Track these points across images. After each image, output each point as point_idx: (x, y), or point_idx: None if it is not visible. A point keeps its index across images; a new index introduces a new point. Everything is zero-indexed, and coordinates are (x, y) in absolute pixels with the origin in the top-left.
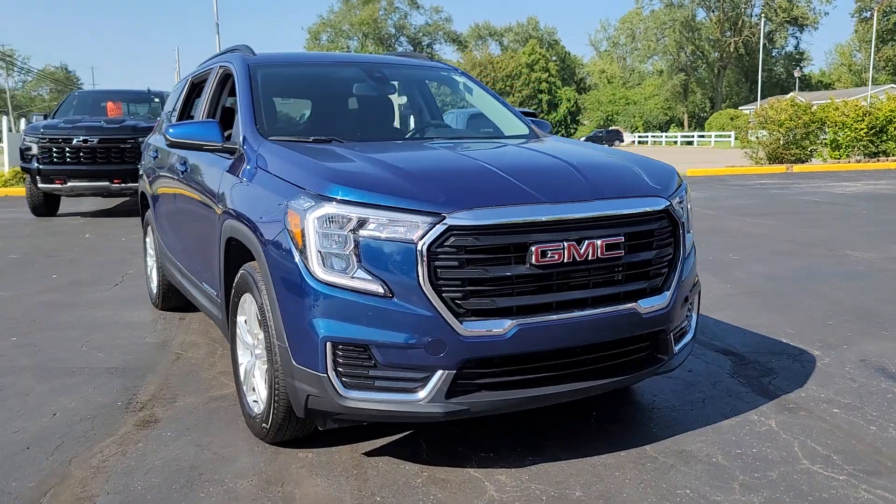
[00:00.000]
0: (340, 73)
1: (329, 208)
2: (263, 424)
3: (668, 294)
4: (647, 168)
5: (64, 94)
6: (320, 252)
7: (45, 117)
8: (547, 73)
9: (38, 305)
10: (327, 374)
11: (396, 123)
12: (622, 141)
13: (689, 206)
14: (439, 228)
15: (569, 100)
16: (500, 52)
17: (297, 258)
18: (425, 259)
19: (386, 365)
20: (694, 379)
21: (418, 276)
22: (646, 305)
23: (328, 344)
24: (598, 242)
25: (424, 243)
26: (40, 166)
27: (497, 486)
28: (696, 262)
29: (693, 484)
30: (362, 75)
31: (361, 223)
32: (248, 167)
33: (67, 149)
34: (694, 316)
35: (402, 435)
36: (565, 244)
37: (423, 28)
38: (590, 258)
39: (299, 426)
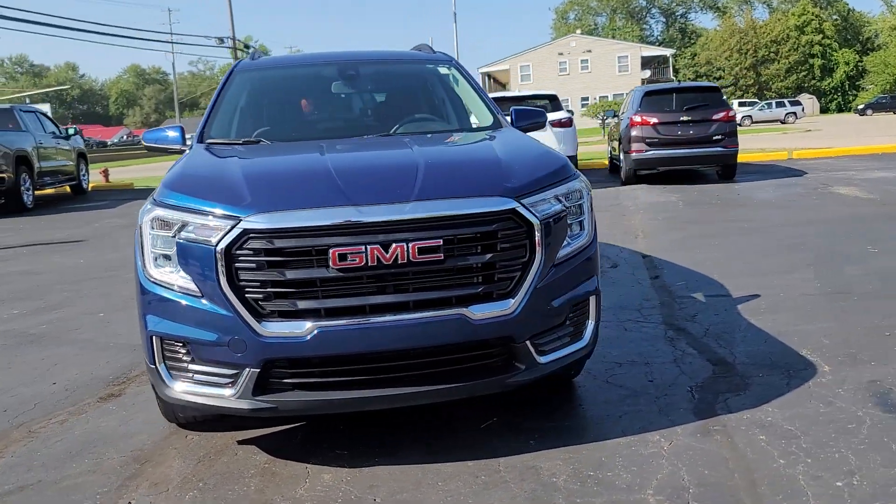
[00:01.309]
0: (314, 73)
1: (158, 212)
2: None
3: (512, 301)
4: (518, 163)
5: None
6: (153, 252)
7: None
8: (821, 35)
9: None
10: (156, 365)
11: (352, 121)
12: None
13: (584, 204)
14: (235, 232)
15: (847, 63)
16: (767, 17)
17: (138, 257)
18: (223, 261)
19: (200, 360)
20: (643, 389)
21: (218, 277)
22: (479, 311)
23: (154, 338)
24: (410, 246)
25: (222, 246)
26: None
27: (312, 484)
28: (596, 264)
29: (502, 503)
30: (335, 75)
31: (183, 226)
32: None
33: None
34: (589, 324)
35: (289, 427)
36: (367, 247)
37: None
38: (400, 262)
39: (179, 412)
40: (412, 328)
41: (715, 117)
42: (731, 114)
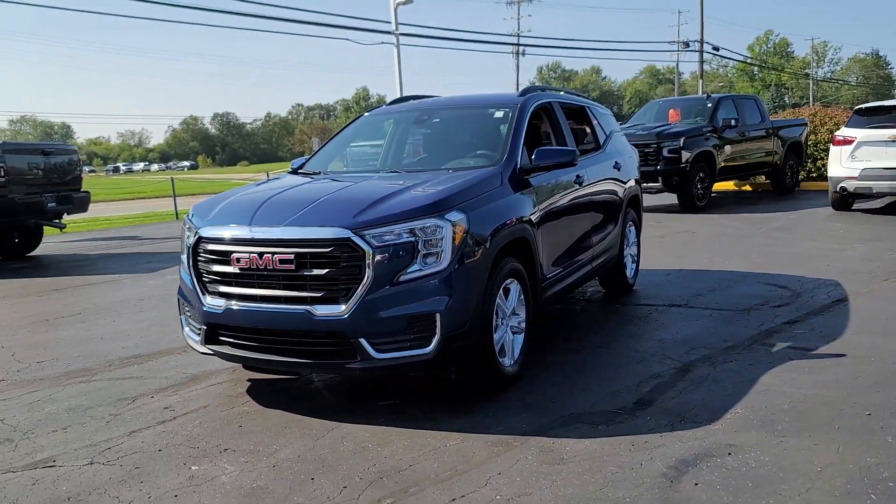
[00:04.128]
0: (402, 118)
1: (185, 221)
2: None
3: (343, 306)
4: (389, 201)
5: (870, 79)
6: (182, 242)
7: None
8: None
9: None
10: (180, 316)
11: (399, 159)
12: None
13: (444, 239)
14: (196, 237)
15: None
16: None
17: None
18: (191, 254)
19: (190, 317)
20: (534, 406)
21: (189, 264)
22: (320, 310)
23: (179, 299)
24: (274, 257)
25: (190, 244)
26: None
27: (213, 415)
28: (453, 289)
29: (297, 448)
30: (415, 120)
31: (189, 230)
32: None
33: None
34: (435, 337)
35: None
36: (251, 255)
37: None
38: (269, 267)
39: None
40: (279, 315)
41: None
42: None
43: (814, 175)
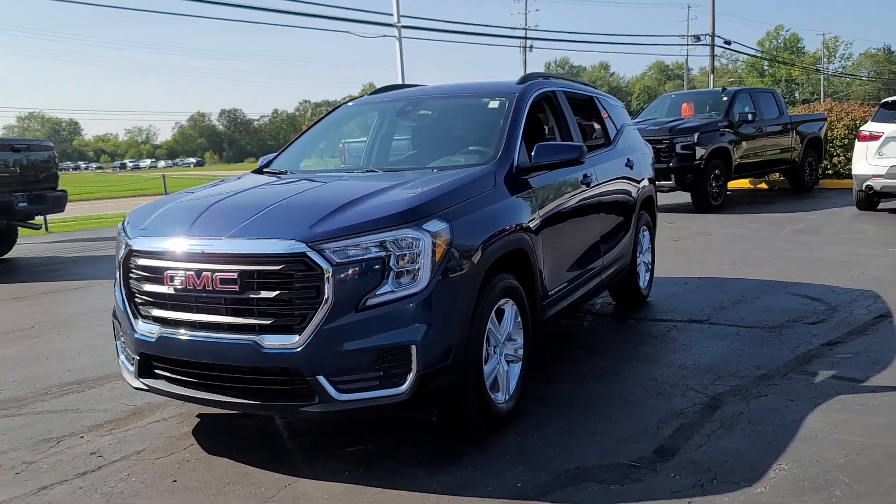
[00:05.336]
0: (386, 109)
1: (118, 228)
2: None
3: (298, 337)
4: (352, 208)
5: (882, 75)
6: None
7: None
8: None
9: None
10: (115, 342)
11: (375, 157)
12: None
13: (420, 253)
14: (126, 249)
15: None
16: None
17: None
18: (122, 270)
19: (123, 342)
20: (518, 450)
21: (120, 281)
22: (269, 341)
23: (114, 322)
24: (213, 276)
25: (120, 258)
26: None
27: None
28: (432, 315)
29: None
30: (395, 111)
31: (122, 241)
32: None
33: None
34: (410, 374)
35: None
36: (186, 273)
37: None
38: (208, 288)
39: None
40: (221, 346)
41: None
42: None
43: (829, 172)
